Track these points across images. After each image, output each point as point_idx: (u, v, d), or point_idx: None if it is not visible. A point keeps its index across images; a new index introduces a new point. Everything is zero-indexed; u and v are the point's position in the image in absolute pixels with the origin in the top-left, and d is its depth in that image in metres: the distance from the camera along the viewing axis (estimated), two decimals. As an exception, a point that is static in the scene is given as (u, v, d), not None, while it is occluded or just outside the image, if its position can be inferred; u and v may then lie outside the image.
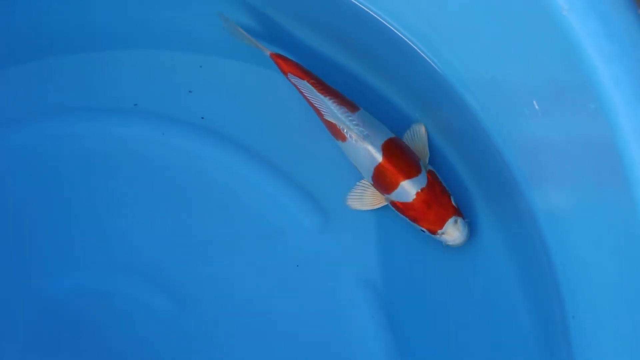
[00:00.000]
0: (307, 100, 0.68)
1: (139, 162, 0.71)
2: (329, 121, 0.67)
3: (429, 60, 0.68)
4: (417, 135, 0.69)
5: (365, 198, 0.69)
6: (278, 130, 0.72)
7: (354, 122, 0.66)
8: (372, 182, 0.68)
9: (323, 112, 0.67)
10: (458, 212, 0.66)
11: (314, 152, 0.72)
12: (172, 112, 0.71)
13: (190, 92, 0.72)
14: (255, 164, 0.71)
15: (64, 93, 0.71)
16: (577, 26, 0.50)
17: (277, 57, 0.68)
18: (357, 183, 0.69)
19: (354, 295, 0.70)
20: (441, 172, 0.68)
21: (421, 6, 0.66)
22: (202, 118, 0.71)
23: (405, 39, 0.69)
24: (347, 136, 0.66)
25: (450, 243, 0.66)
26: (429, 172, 0.67)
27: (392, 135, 0.67)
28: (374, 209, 0.69)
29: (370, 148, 0.66)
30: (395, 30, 0.69)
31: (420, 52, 0.68)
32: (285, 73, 0.68)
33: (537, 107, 0.58)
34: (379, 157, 0.66)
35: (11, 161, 0.71)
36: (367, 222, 0.71)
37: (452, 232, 0.66)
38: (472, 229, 0.67)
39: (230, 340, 0.69)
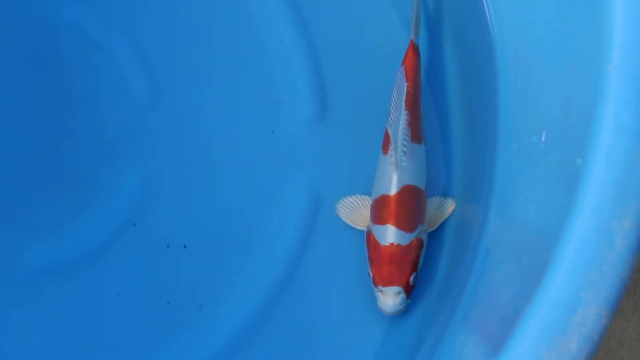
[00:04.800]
0: (393, 98, 0.66)
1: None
2: (387, 129, 0.65)
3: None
4: (442, 207, 0.67)
5: (354, 213, 0.67)
6: (336, 8, 0.73)
7: (404, 149, 0.64)
8: (371, 203, 0.66)
9: (391, 120, 0.65)
10: (408, 289, 0.63)
11: (360, 59, 0.72)
12: None
13: None
14: (297, 28, 0.73)
15: None
16: (612, 86, 0.49)
17: (414, 48, 0.67)
18: (359, 195, 0.68)
19: (297, 192, 0.71)
20: (430, 254, 0.66)
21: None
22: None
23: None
24: (389, 153, 0.65)
25: (378, 305, 0.63)
26: (417, 240, 0.64)
27: (421, 187, 0.65)
28: (353, 227, 0.67)
29: (394, 179, 0.64)
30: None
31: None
32: (402, 64, 0.67)
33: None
34: (392, 191, 0.64)
35: None
36: (354, 152, 0.71)
37: (386, 299, 0.63)
38: (405, 311, 0.64)
39: (189, 147, 0.72)
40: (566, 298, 0.45)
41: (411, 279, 0.63)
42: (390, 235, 0.63)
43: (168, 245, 0.70)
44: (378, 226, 0.64)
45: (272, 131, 0.71)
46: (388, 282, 0.63)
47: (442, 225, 0.67)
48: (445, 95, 0.71)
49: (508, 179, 0.64)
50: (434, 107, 0.70)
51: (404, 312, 0.64)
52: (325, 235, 0.69)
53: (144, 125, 0.72)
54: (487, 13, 0.69)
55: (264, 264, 0.69)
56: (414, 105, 0.66)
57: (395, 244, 0.63)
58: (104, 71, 0.73)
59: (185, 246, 0.70)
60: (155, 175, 0.71)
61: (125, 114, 0.72)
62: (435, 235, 0.67)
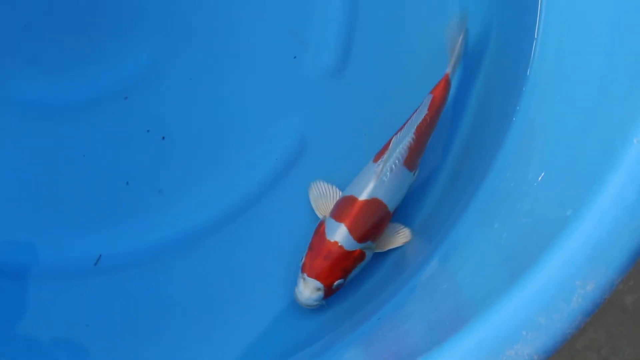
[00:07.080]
0: (409, 118, 0.66)
1: None
2: (390, 141, 0.65)
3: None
4: (397, 235, 0.67)
5: (322, 200, 0.68)
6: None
7: (392, 166, 0.64)
8: (340, 197, 0.66)
9: (397, 134, 0.65)
10: (328, 291, 0.64)
11: (397, 35, 0.72)
12: None
13: None
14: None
15: None
16: (629, 158, 0.50)
17: (446, 82, 0.67)
18: (335, 186, 0.68)
19: (288, 132, 0.71)
20: (366, 271, 0.66)
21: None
22: None
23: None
24: (377, 163, 0.65)
25: (295, 289, 0.64)
26: (361, 252, 0.64)
27: (389, 209, 0.65)
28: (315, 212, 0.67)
29: (369, 187, 0.64)
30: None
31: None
32: (431, 92, 0.67)
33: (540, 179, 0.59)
34: (362, 196, 0.64)
35: None
36: (357, 117, 0.71)
37: (305, 289, 0.63)
38: (314, 309, 0.65)
39: (208, 46, 0.72)
40: (509, 330, 0.47)
41: (336, 283, 0.63)
42: (339, 234, 0.63)
43: (148, 131, 0.70)
44: (333, 221, 0.64)
45: (295, 57, 0.71)
46: (314, 275, 0.63)
47: (388, 250, 0.67)
48: (457, 126, 0.71)
49: (479, 215, 0.65)
50: (444, 136, 0.70)
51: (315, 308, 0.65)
52: (294, 185, 0.70)
53: (174, 9, 0.71)
54: (530, 61, 0.69)
55: (230, 184, 0.70)
56: (423, 134, 0.66)
57: (339, 244, 0.63)
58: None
59: (163, 137, 0.70)
60: (166, 60, 0.71)
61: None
62: (377, 255, 0.67)
